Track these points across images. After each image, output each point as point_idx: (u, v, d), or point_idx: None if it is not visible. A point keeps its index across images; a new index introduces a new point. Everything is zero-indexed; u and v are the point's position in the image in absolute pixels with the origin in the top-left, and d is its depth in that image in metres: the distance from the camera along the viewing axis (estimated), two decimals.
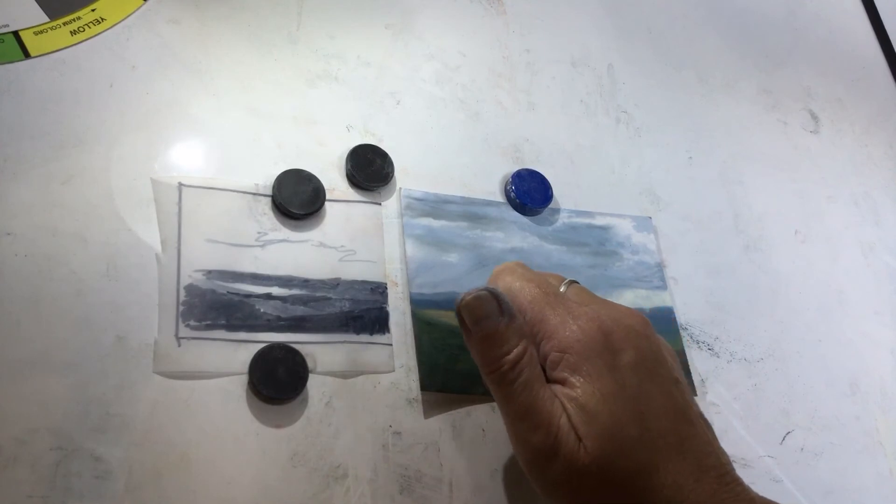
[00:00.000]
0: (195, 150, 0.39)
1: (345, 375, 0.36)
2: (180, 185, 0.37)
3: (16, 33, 0.38)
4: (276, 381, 0.34)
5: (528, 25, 0.52)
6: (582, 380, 0.32)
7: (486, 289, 0.33)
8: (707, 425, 0.33)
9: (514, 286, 0.35)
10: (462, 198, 0.43)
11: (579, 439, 0.31)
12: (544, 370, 0.33)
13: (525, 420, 0.32)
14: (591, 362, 0.32)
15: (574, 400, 0.31)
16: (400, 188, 0.42)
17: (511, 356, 0.32)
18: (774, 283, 0.50)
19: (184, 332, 0.34)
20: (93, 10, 0.40)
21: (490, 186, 0.45)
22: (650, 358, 0.33)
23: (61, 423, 0.31)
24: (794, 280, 0.51)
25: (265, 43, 0.43)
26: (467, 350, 0.38)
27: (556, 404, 0.32)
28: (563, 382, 0.32)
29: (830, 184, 0.57)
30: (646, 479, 0.30)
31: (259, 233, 0.38)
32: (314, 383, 0.35)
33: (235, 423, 0.34)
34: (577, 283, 0.36)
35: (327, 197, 0.40)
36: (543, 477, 0.32)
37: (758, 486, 0.33)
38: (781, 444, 0.45)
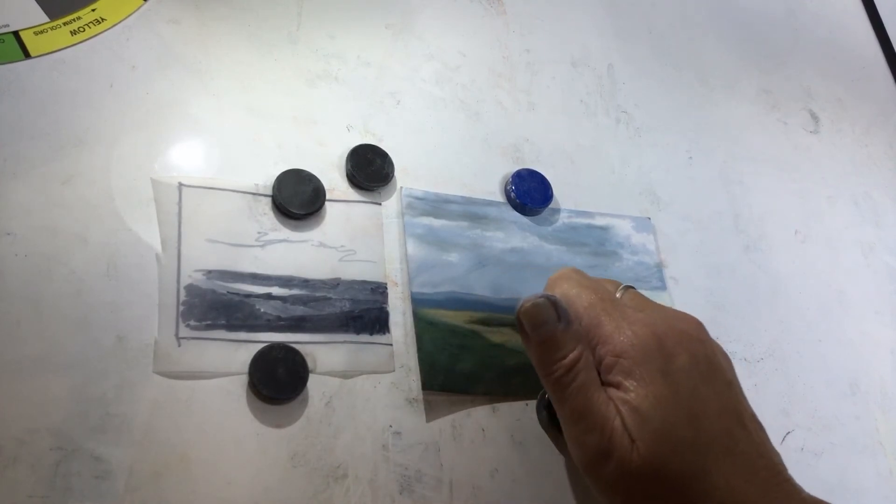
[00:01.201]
0: (195, 150, 0.39)
1: (345, 375, 0.36)
2: (180, 185, 0.37)
3: (16, 33, 0.38)
4: (276, 381, 0.34)
5: (528, 25, 0.52)
6: (635, 383, 0.32)
7: (545, 296, 0.34)
8: (760, 427, 0.34)
9: (571, 293, 0.35)
10: (462, 197, 0.43)
11: (632, 441, 0.31)
12: (600, 374, 0.33)
13: (580, 422, 0.32)
14: (645, 366, 0.32)
15: (627, 403, 0.32)
16: (401, 187, 0.42)
17: (567, 360, 0.33)
18: (774, 283, 0.50)
19: (184, 332, 0.34)
20: (93, 10, 0.40)
21: (490, 186, 0.45)
22: (703, 362, 0.33)
23: (61, 423, 0.31)
24: (794, 280, 0.51)
25: (265, 43, 0.43)
26: (468, 350, 0.39)
27: (611, 407, 0.32)
28: (617, 386, 0.33)
29: (830, 184, 0.57)
30: (698, 482, 0.31)
31: (259, 233, 0.38)
32: (314, 383, 0.36)
33: (235, 423, 0.34)
34: (633, 288, 0.37)
35: (327, 197, 0.40)
36: (599, 478, 0.32)
37: None
38: (781, 443, 0.45)
